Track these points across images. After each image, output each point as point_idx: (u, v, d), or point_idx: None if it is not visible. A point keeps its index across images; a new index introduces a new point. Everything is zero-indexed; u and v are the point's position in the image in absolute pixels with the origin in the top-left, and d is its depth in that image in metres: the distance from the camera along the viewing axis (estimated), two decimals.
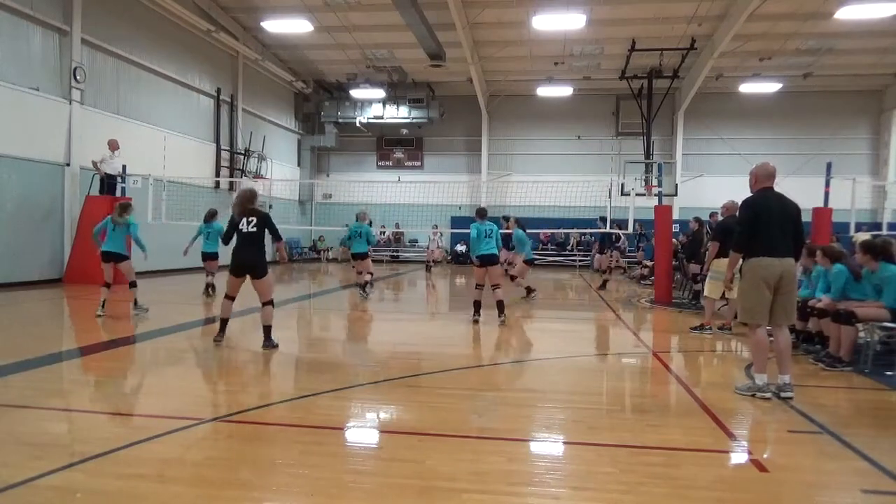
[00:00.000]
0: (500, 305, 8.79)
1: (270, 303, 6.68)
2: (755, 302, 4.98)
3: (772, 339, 5.15)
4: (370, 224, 12.39)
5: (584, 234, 21.88)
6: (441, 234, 21.42)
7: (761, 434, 4.30)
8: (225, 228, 6.88)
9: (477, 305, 8.92)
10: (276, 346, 6.55)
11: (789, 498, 3.16)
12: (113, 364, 6.06)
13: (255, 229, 6.49)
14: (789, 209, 5.07)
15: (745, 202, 5.20)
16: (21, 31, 12.34)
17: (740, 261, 5.20)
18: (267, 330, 6.63)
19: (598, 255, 15.56)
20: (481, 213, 9.18)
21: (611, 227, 15.83)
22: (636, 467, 3.42)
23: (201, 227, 11.40)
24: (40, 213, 12.85)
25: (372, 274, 12.06)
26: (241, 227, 6.52)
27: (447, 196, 22.43)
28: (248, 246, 6.53)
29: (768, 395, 4.86)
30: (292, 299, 11.60)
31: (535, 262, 13.47)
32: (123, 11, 15.04)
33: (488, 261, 8.83)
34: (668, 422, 4.40)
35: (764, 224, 4.98)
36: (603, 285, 14.67)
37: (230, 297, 6.73)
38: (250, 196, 6.70)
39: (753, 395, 4.89)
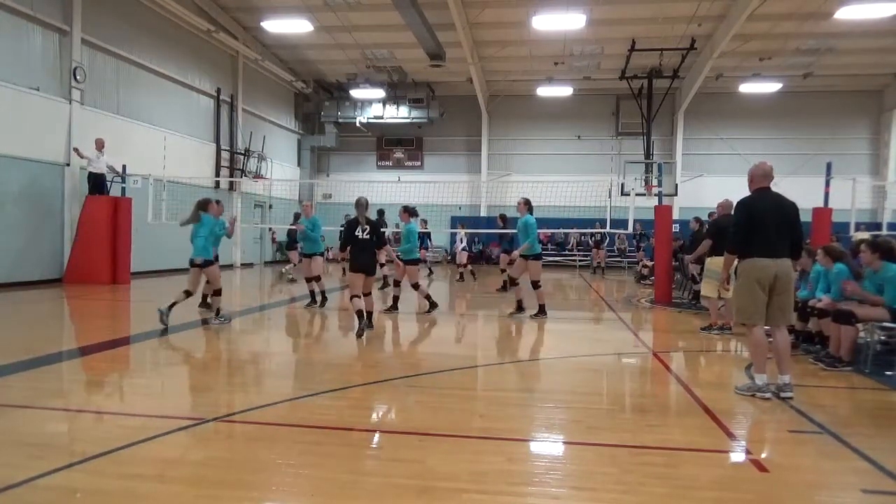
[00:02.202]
0: (429, 298, 9.77)
1: (369, 294, 7.89)
2: (749, 302, 4.97)
3: (771, 339, 5.15)
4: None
5: (585, 233, 21.92)
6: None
7: (761, 434, 4.30)
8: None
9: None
10: (371, 328, 7.70)
11: (789, 498, 3.16)
12: (113, 364, 6.06)
13: (368, 236, 7.72)
14: (786, 209, 5.03)
15: (740, 202, 5.18)
16: (21, 31, 12.34)
17: (735, 261, 5.20)
18: (369, 315, 7.73)
19: (503, 255, 14.80)
20: (414, 213, 10.09)
21: (587, 228, 15.74)
22: (636, 467, 3.42)
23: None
24: (40, 213, 12.85)
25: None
26: (357, 233, 7.69)
27: (447, 196, 22.44)
28: (366, 250, 7.75)
29: (768, 395, 4.86)
30: (295, 299, 11.60)
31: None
32: (123, 11, 15.04)
33: (417, 262, 10.07)
34: (668, 422, 4.41)
35: (759, 224, 4.94)
36: (504, 287, 12.99)
37: (359, 295, 7.69)
38: (367, 205, 7.82)
39: (753, 396, 4.89)
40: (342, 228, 8.30)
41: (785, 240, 4.96)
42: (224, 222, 8.51)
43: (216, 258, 8.40)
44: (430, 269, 18.20)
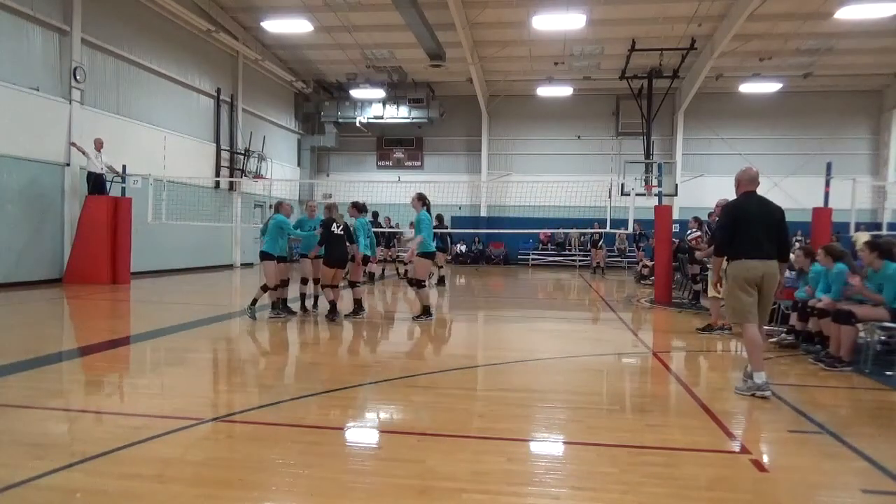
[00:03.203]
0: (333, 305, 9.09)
1: (336, 286, 8.81)
2: (741, 302, 5.12)
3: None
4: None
5: (584, 233, 21.91)
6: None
7: (761, 434, 4.30)
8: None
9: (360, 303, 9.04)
10: (344, 317, 8.72)
11: (789, 498, 3.16)
12: (113, 364, 6.06)
13: (342, 232, 8.66)
14: (772, 212, 5.21)
15: (727, 205, 5.45)
16: (21, 31, 12.33)
17: (724, 262, 5.40)
18: (333, 304, 8.76)
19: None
20: (363, 209, 9.61)
21: (587, 228, 15.47)
22: (636, 467, 3.42)
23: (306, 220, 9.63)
24: (40, 213, 12.85)
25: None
26: (332, 229, 8.55)
27: (447, 196, 22.44)
28: (341, 246, 8.64)
29: (767, 393, 4.89)
30: (295, 299, 11.58)
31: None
32: (123, 11, 15.04)
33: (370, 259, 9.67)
34: (668, 422, 4.40)
35: (745, 227, 5.13)
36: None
37: (334, 286, 8.76)
38: (335, 206, 8.84)
39: (753, 395, 4.92)
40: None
41: (772, 241, 5.13)
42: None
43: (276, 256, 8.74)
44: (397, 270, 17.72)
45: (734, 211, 5.26)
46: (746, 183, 5.33)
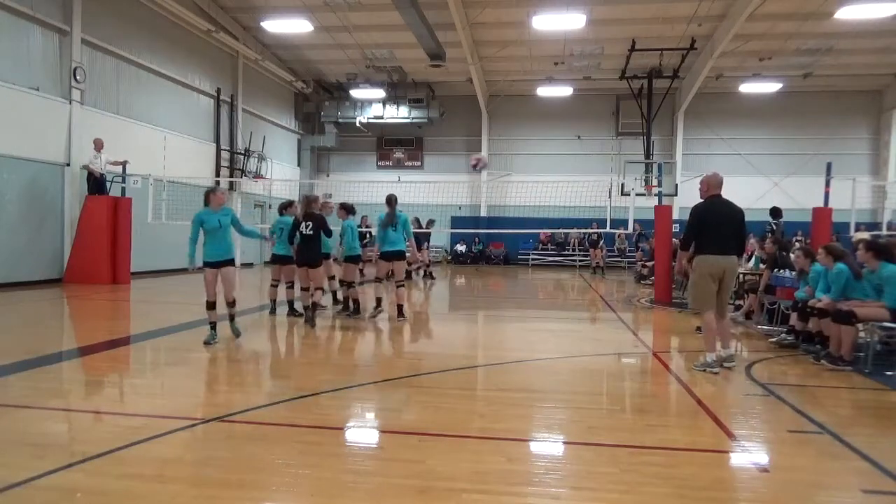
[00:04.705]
0: (356, 303, 9.36)
1: (321, 289, 8.36)
2: (702, 293, 5.85)
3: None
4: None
5: (584, 233, 21.92)
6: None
7: (761, 434, 4.29)
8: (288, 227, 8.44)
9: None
10: (314, 324, 8.15)
11: (789, 498, 3.16)
12: (113, 364, 6.07)
13: (311, 232, 8.08)
14: (735, 214, 5.86)
15: (695, 207, 5.98)
16: (21, 31, 12.33)
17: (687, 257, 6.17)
18: (314, 306, 8.25)
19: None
20: (351, 210, 9.74)
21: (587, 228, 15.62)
22: (636, 467, 3.42)
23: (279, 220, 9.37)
24: (40, 213, 12.85)
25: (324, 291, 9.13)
26: (301, 229, 8.09)
27: (447, 196, 22.44)
28: (309, 244, 8.12)
29: (717, 370, 5.71)
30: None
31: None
32: (123, 11, 15.04)
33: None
34: (668, 422, 4.41)
35: (711, 227, 5.75)
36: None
37: (305, 288, 8.41)
38: (313, 201, 8.36)
39: (705, 371, 5.71)
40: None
41: (733, 240, 5.80)
42: (230, 212, 7.51)
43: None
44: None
45: (702, 213, 5.84)
46: (715, 187, 5.91)
